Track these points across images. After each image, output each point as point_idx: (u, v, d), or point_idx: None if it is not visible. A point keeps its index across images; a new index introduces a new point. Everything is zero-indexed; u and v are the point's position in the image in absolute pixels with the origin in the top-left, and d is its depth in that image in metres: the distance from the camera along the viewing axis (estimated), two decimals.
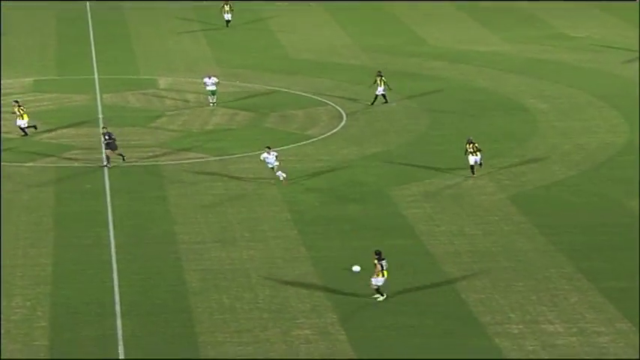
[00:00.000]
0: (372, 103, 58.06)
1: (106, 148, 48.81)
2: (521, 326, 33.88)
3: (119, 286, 36.59)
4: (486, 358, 31.92)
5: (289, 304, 35.37)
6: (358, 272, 35.89)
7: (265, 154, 46.23)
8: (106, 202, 44.66)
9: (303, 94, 61.27)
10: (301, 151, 51.84)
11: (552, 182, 47.15)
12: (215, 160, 50.39)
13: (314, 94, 61.06)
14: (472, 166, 47.04)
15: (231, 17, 78.05)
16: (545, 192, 46.00)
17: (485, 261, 38.83)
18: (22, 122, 53.11)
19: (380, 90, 58.02)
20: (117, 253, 39.34)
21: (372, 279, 35.35)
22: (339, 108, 58.44)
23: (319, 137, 53.91)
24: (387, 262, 35.37)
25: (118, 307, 35.00)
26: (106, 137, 48.60)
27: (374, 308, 34.97)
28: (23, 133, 53.22)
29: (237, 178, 47.72)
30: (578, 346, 32.70)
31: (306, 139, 53.51)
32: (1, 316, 33.14)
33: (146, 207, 44.16)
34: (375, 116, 57.18)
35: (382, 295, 35.36)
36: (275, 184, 46.08)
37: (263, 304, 35.39)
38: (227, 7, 78.18)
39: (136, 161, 49.47)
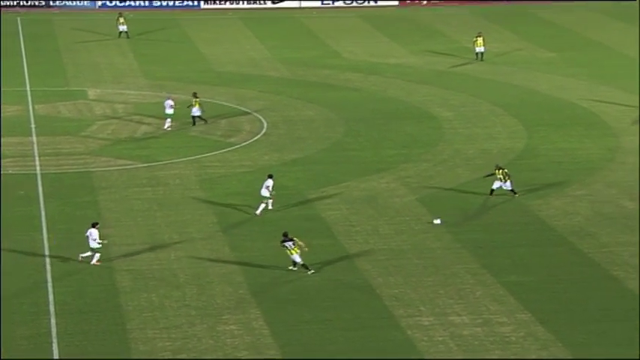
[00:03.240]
0: (194, 124, 55.59)
1: None
2: (431, 318, 34.37)
3: (53, 287, 36.20)
4: (399, 349, 32.34)
5: (215, 302, 35.37)
6: (440, 224, 40.59)
7: (270, 181, 43.14)
8: (40, 207, 44.10)
9: (226, 104, 61.20)
10: (225, 157, 51.80)
11: (458, 185, 47.84)
12: (143, 167, 50.07)
13: (237, 104, 61.05)
14: (493, 190, 44.77)
15: (127, 29, 77.57)
16: (452, 194, 46.67)
17: (397, 258, 39.27)
18: None
19: (195, 111, 55.53)
20: (50, 255, 38.88)
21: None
22: (260, 117, 58.53)
23: (242, 144, 53.92)
24: (292, 242, 37.00)
25: (51, 307, 34.63)
26: None
27: (295, 304, 35.15)
28: None
29: (165, 184, 47.53)
30: (483, 335, 33.30)
31: (229, 147, 53.49)
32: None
33: (78, 211, 43.71)
34: (295, 125, 57.36)
35: (293, 266, 37.05)
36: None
37: (190, 301, 35.33)
38: (122, 20, 77.85)
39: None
